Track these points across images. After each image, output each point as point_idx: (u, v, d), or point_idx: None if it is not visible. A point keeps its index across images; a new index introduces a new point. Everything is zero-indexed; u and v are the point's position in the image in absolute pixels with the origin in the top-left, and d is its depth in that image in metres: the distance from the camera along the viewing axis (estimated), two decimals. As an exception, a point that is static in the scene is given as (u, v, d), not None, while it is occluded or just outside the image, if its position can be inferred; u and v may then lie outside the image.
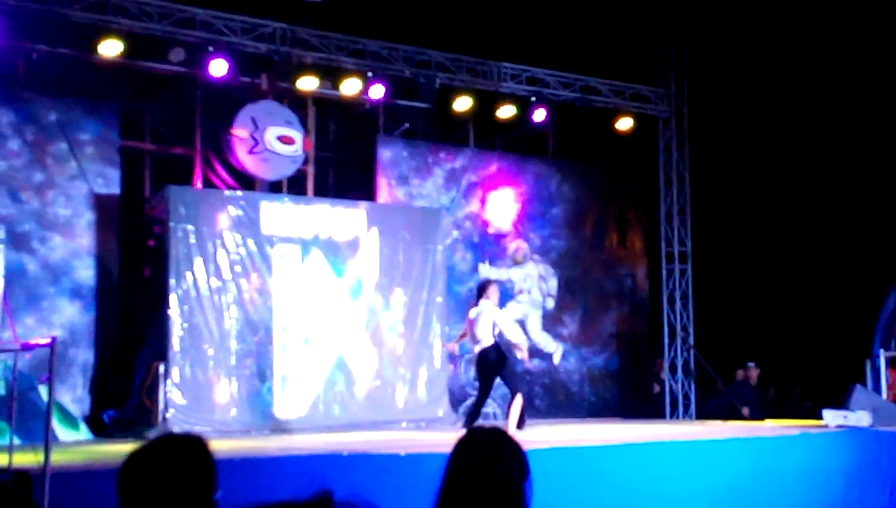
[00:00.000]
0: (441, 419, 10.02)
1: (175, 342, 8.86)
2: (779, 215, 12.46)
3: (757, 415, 10.69)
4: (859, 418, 8.49)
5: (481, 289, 8.18)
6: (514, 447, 2.33)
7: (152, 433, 8.07)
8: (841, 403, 8.88)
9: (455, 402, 10.62)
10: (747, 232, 12.46)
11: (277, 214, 9.64)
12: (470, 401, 11.01)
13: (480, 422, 8.22)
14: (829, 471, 7.86)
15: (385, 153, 11.22)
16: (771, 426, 9.34)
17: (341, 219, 10.00)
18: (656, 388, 12.02)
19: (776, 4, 11.44)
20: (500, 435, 2.35)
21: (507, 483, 2.27)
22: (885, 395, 9.54)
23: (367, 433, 8.87)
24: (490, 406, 11.02)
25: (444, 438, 6.78)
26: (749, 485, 7.30)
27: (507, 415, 7.88)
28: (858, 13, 11.06)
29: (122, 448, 2.14)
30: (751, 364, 11.46)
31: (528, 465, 2.32)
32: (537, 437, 7.41)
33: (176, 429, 7.91)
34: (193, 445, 2.13)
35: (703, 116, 12.08)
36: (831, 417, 8.66)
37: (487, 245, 11.72)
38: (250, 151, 9.93)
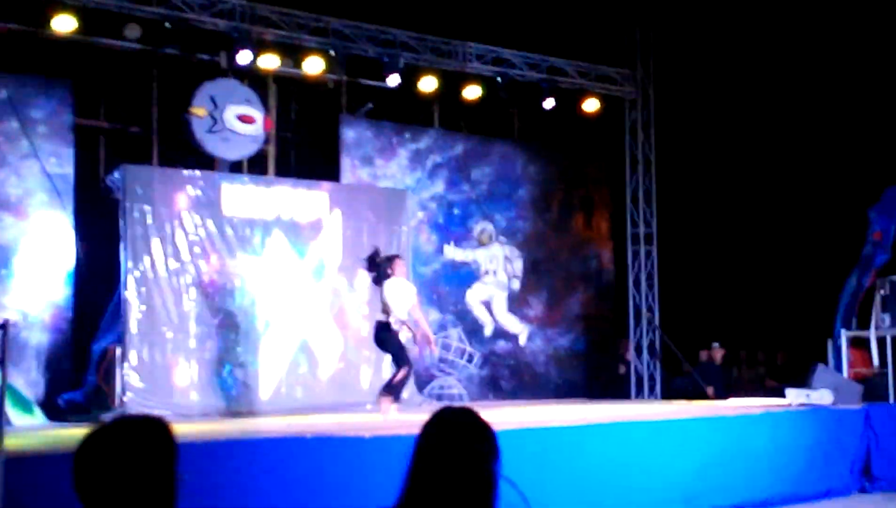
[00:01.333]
0: (406, 401, 9.91)
1: (132, 325, 8.66)
2: (743, 196, 12.54)
3: (721, 395, 10.78)
4: (821, 396, 8.58)
5: (389, 264, 7.90)
6: (483, 426, 2.28)
7: (109, 417, 7.88)
8: (803, 382, 8.97)
9: (420, 384, 10.55)
10: (712, 214, 12.52)
11: (238, 195, 9.45)
12: (435, 382, 10.96)
13: (448, 403, 8.15)
14: (792, 449, 7.93)
15: (348, 133, 11.06)
16: (735, 406, 9.41)
17: (303, 200, 9.84)
18: (622, 369, 12.06)
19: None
20: (469, 415, 2.29)
21: (477, 463, 2.22)
22: (846, 374, 9.65)
23: (330, 415, 8.76)
24: (456, 388, 10.99)
25: (410, 420, 6.70)
26: (713, 463, 7.34)
27: (388, 387, 7.81)
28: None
29: (78, 433, 2.03)
30: (715, 345, 11.54)
31: (497, 445, 2.26)
32: (504, 418, 7.36)
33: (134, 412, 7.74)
34: (152, 426, 2.03)
35: (669, 98, 12.07)
36: (794, 395, 8.74)
37: (453, 226, 11.63)
38: (209, 131, 9.71)
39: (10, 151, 9.01)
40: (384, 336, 7.87)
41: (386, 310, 7.80)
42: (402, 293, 7.84)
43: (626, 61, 12.02)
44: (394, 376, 7.95)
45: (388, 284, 7.80)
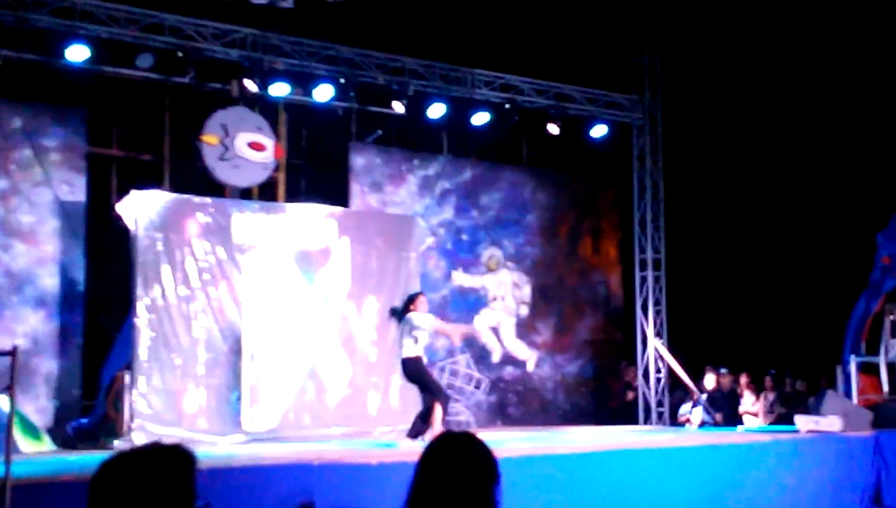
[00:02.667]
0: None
1: (142, 351, 8.70)
2: (751, 221, 12.55)
3: (729, 421, 10.72)
4: (830, 423, 8.53)
5: (410, 301, 8.04)
6: (484, 451, 2.30)
7: (117, 444, 7.90)
8: (813, 408, 8.92)
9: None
10: (720, 239, 12.52)
11: (247, 222, 9.51)
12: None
13: (452, 428, 8.11)
14: (801, 476, 7.87)
15: (358, 160, 11.15)
16: (743, 433, 9.35)
17: (313, 227, 9.90)
18: (630, 395, 12.02)
19: (749, 14, 11.54)
20: (470, 440, 2.31)
21: (476, 487, 2.24)
22: (855, 400, 9.59)
23: (338, 441, 8.76)
24: (464, 414, 10.98)
25: (417, 447, 6.70)
26: (722, 491, 7.30)
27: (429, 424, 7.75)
28: (831, 22, 11.18)
29: (86, 460, 2.05)
30: (723, 371, 11.50)
31: (498, 469, 2.28)
32: (511, 445, 7.35)
33: (142, 439, 7.75)
34: (174, 454, 2.03)
35: (676, 124, 12.13)
36: (803, 422, 8.69)
37: (461, 252, 11.67)
38: (220, 158, 9.81)
39: (23, 179, 9.12)
40: (414, 371, 7.83)
41: (412, 340, 7.76)
42: (426, 318, 7.90)
43: (633, 87, 12.09)
44: (431, 410, 7.67)
45: (412, 314, 7.82)
